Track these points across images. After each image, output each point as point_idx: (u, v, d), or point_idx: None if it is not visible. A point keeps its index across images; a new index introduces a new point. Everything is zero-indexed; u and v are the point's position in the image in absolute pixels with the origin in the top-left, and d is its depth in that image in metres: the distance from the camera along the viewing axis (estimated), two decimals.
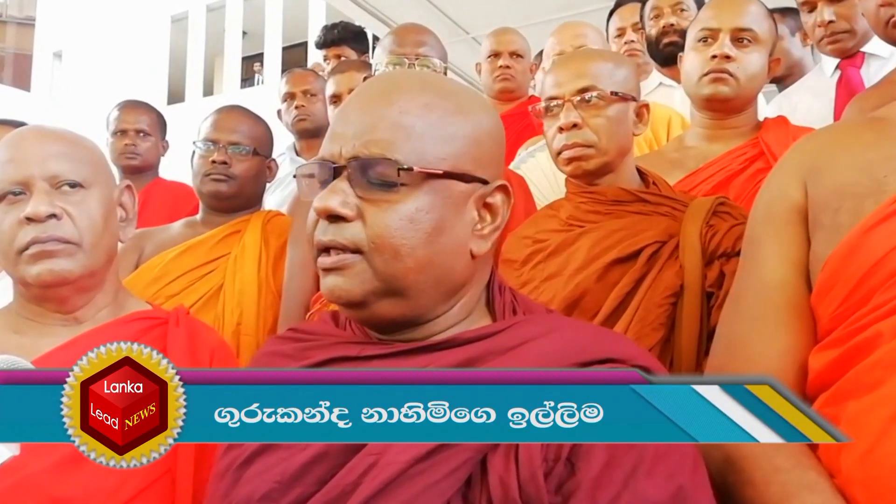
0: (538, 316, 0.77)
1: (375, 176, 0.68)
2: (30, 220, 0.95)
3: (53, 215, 0.96)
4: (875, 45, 1.89)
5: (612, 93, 1.22)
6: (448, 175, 0.69)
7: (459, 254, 0.71)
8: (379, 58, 1.62)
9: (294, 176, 0.76)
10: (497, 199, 0.74)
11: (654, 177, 1.30)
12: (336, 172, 0.70)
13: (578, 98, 1.22)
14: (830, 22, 1.90)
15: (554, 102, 1.25)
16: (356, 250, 0.68)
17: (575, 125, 1.22)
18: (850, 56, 1.94)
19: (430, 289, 0.70)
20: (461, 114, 0.72)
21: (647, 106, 1.30)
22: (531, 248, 1.26)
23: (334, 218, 0.68)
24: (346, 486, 0.62)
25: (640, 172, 1.31)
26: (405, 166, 0.67)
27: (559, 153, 1.25)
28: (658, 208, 1.23)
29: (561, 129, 1.23)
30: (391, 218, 0.67)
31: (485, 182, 0.73)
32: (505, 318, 0.75)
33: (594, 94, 1.22)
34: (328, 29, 2.86)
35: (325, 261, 0.69)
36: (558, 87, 1.25)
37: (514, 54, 2.34)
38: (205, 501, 0.74)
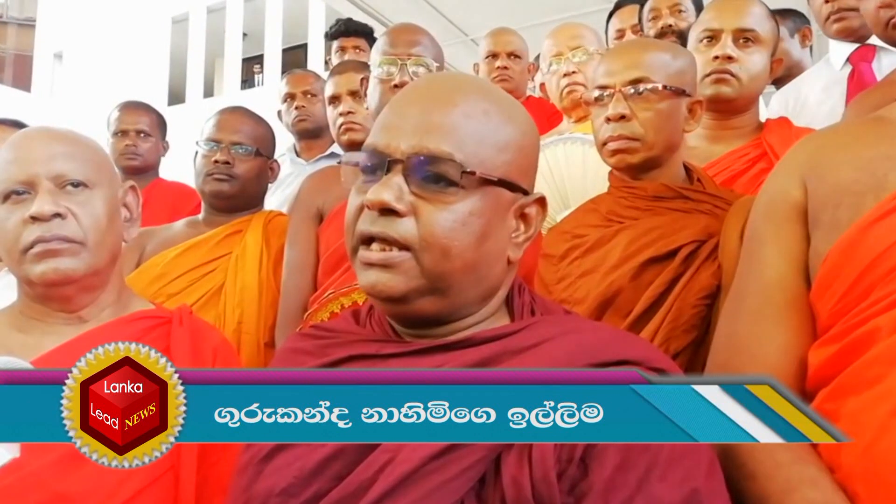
0: (555, 317, 0.77)
1: (436, 175, 0.68)
2: (34, 219, 0.96)
3: (58, 214, 0.97)
4: None
5: (664, 86, 1.18)
6: (501, 182, 0.70)
7: (499, 259, 0.73)
8: (373, 58, 1.62)
9: (339, 162, 0.76)
10: (533, 210, 0.75)
11: (700, 173, 1.27)
12: (388, 165, 0.69)
13: (629, 89, 1.19)
14: None
15: (604, 92, 1.22)
16: (405, 246, 0.68)
17: (623, 117, 1.18)
18: (858, 44, 1.90)
19: (470, 290, 0.71)
20: (513, 123, 0.73)
21: (700, 102, 1.26)
22: (570, 244, 1.24)
23: (385, 211, 0.68)
24: (362, 483, 0.63)
25: (687, 169, 1.28)
26: (468, 169, 0.68)
27: (604, 144, 1.22)
28: (699, 206, 1.20)
29: (608, 120, 1.20)
30: (445, 218, 0.68)
31: (525, 192, 0.74)
32: (523, 318, 0.76)
33: (646, 86, 1.18)
34: (347, 20, 2.85)
35: (370, 255, 0.69)
36: (610, 77, 1.22)
37: (512, 55, 2.34)
38: (227, 495, 0.75)
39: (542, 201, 0.76)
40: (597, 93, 1.24)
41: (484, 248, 0.70)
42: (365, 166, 0.72)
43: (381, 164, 0.69)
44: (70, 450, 0.64)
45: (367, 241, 0.70)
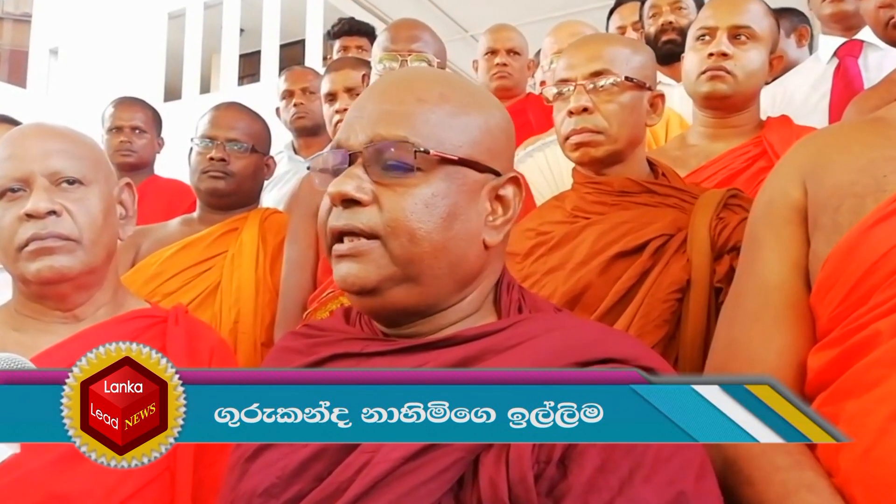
0: (543, 314, 0.76)
1: (391, 159, 0.68)
2: (29, 216, 0.95)
3: (53, 212, 0.96)
4: (872, 34, 1.86)
5: (626, 78, 1.18)
6: (463, 162, 0.70)
7: (472, 242, 0.71)
8: (374, 54, 1.62)
9: (307, 168, 0.77)
10: (509, 191, 0.74)
11: (664, 168, 1.27)
12: (351, 159, 0.70)
13: (591, 82, 1.18)
14: None
15: (566, 86, 1.21)
16: (372, 235, 0.68)
17: (585, 109, 1.17)
18: (848, 36, 1.90)
19: (444, 276, 0.70)
20: (475, 106, 0.73)
21: (662, 96, 1.26)
22: (534, 241, 1.23)
23: (349, 203, 0.68)
24: (340, 484, 0.62)
25: (651, 164, 1.27)
26: (422, 149, 0.68)
27: (567, 138, 1.21)
28: (666, 200, 1.19)
29: (571, 113, 1.19)
30: (407, 202, 0.67)
31: (497, 174, 0.73)
32: (510, 315, 0.75)
33: (608, 79, 1.18)
34: (350, 20, 2.85)
35: (339, 247, 0.69)
36: (571, 70, 1.21)
37: (511, 51, 2.33)
38: (219, 494, 0.75)
39: (515, 181, 0.75)
40: (558, 88, 1.23)
41: (453, 230, 0.69)
42: (332, 164, 0.72)
43: (345, 160, 0.70)
44: (67, 449, 0.64)
45: (338, 238, 0.70)
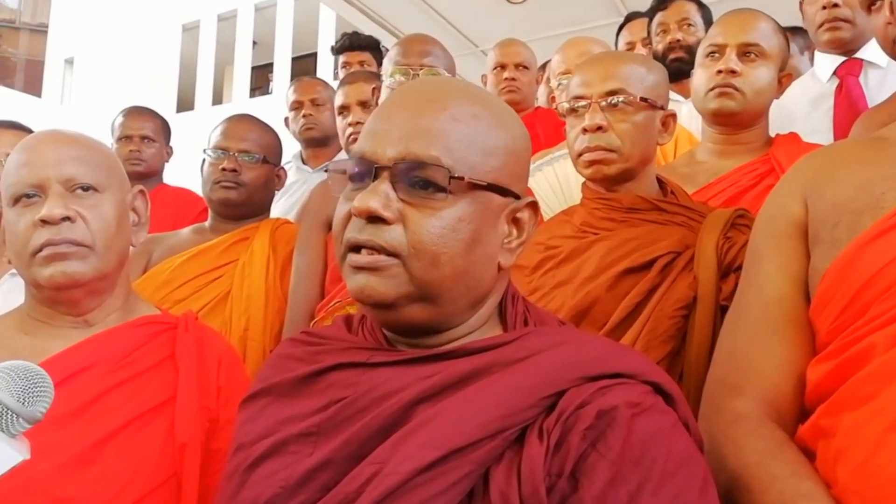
0: (548, 328, 0.76)
1: (423, 180, 0.67)
2: (44, 222, 0.96)
3: (67, 218, 0.97)
4: (872, 53, 1.86)
5: (641, 98, 1.19)
6: (490, 187, 0.69)
7: (489, 265, 0.72)
8: (385, 68, 1.64)
9: (326, 170, 0.76)
10: (525, 214, 0.74)
11: (673, 186, 1.27)
12: (376, 172, 0.68)
13: (605, 101, 1.19)
14: (835, 6, 1.88)
15: (580, 102, 1.22)
16: (394, 254, 0.67)
17: (600, 128, 1.19)
18: (847, 58, 1.91)
19: (460, 297, 0.70)
20: (503, 127, 0.72)
21: (673, 115, 1.26)
22: (543, 255, 1.24)
23: (373, 219, 0.67)
24: (348, 495, 0.62)
25: (660, 181, 1.28)
26: (456, 174, 0.67)
27: (580, 155, 1.22)
28: (674, 217, 1.20)
29: (585, 131, 1.20)
30: (433, 225, 0.67)
31: (517, 196, 0.73)
32: (516, 328, 0.75)
33: (622, 97, 1.19)
34: (352, 35, 2.86)
35: (357, 259, 0.68)
36: (586, 87, 1.22)
37: (520, 66, 2.34)
38: (214, 501, 0.74)
39: (533, 206, 0.75)
40: (572, 103, 1.24)
41: (474, 254, 0.69)
42: (352, 173, 0.71)
43: (369, 171, 0.68)
44: (73, 454, 0.64)
45: (356, 248, 0.69)
